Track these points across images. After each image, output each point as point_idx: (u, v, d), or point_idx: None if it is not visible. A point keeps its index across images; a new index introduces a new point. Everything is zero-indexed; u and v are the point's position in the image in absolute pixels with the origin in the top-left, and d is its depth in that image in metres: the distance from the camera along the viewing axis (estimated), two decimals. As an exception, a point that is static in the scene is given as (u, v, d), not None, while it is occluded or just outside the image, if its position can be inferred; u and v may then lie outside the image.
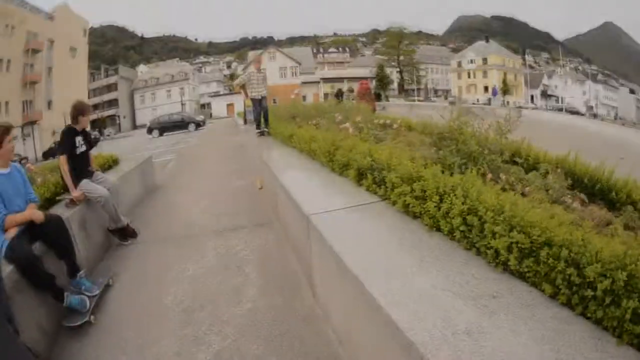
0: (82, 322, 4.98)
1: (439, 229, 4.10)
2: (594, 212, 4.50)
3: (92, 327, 5.03)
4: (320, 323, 4.64)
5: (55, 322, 4.94)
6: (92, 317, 5.10)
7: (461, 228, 3.73)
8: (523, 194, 4.59)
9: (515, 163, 6.03)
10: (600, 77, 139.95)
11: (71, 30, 78.52)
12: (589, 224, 3.45)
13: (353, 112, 11.23)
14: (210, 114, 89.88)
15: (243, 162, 15.08)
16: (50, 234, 5.25)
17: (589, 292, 2.70)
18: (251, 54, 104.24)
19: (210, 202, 10.03)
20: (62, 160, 6.85)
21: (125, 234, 7.66)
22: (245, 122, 21.50)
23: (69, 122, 7.21)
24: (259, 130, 14.44)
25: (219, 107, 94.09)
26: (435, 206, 4.11)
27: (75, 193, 6.79)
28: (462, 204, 3.78)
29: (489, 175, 4.95)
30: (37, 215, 5.17)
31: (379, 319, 2.95)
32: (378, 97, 69.13)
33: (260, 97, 14.31)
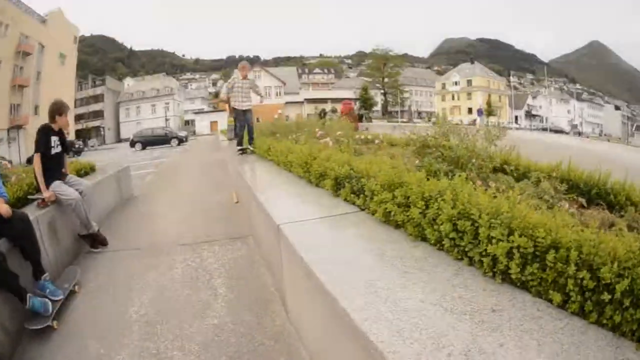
0: (44, 326, 4.76)
1: (424, 239, 3.76)
2: (594, 215, 4.24)
3: (55, 332, 4.82)
4: (292, 341, 4.31)
5: (18, 323, 4.74)
6: (54, 322, 4.89)
7: (451, 235, 3.37)
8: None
9: (504, 172, 5.80)
10: (585, 95, 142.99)
11: (62, 36, 78.77)
12: (596, 224, 3.09)
13: (334, 128, 11.09)
14: (194, 131, 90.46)
15: (222, 178, 14.90)
16: (16, 232, 5.06)
17: (606, 296, 2.42)
18: (236, 72, 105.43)
19: (185, 215, 9.85)
20: (35, 159, 6.69)
21: (96, 241, 7.40)
22: (229, 139, 20.81)
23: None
24: (240, 148, 12.68)
25: (202, 124, 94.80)
26: (420, 212, 3.77)
27: (46, 193, 6.60)
28: (452, 208, 3.43)
29: (479, 183, 4.66)
30: (4, 209, 5.02)
31: (355, 340, 2.56)
32: (361, 118, 70.10)
33: (244, 109, 12.49)
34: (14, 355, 4.43)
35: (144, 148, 47.85)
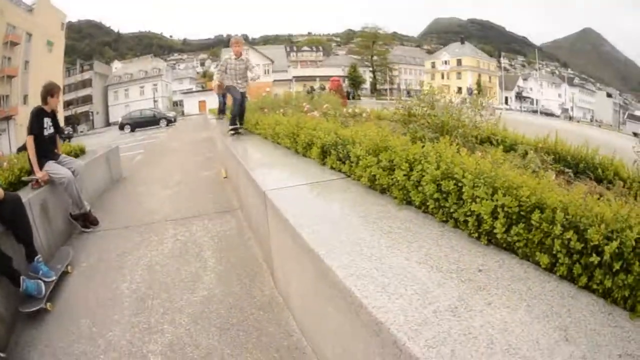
0: (38, 309, 4.78)
1: (409, 203, 3.81)
2: (582, 187, 4.23)
3: (49, 314, 4.83)
4: (280, 311, 4.39)
5: (12, 308, 4.75)
6: (48, 304, 4.91)
7: (435, 196, 3.41)
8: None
9: (491, 144, 5.83)
10: (577, 80, 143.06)
11: (49, 24, 77.26)
12: (582, 189, 3.10)
13: (322, 102, 11.07)
14: (183, 111, 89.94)
15: (211, 155, 15.01)
16: (8, 214, 5.06)
17: (595, 258, 2.38)
18: (224, 51, 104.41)
19: (175, 192, 9.94)
20: (28, 141, 6.84)
21: (87, 220, 7.48)
22: (222, 111, 19.93)
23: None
24: (233, 127, 11.04)
25: (190, 104, 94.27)
26: (404, 175, 3.80)
27: (39, 174, 6.73)
28: (436, 169, 3.47)
29: (464, 151, 4.66)
30: None
31: (341, 297, 2.60)
32: (348, 95, 70.21)
33: (240, 91, 10.89)
34: (11, 340, 4.43)
35: (133, 130, 47.92)
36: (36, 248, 5.32)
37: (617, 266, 2.31)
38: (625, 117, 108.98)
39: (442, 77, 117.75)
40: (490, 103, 6.38)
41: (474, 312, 2.23)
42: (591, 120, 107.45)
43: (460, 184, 3.18)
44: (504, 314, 2.22)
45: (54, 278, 5.26)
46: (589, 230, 2.44)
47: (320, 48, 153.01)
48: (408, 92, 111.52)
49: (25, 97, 65.93)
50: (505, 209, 2.82)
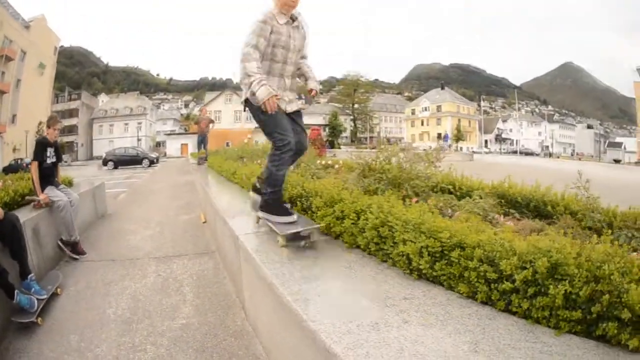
0: (30, 321, 5.11)
1: (358, 246, 4.37)
2: (527, 225, 4.68)
3: (39, 328, 5.16)
4: (250, 338, 4.81)
5: (4, 318, 5.06)
6: (39, 319, 5.22)
7: (375, 240, 3.99)
8: (450, 217, 4.78)
9: (449, 193, 6.26)
10: (556, 117, 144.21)
11: (43, 45, 76.83)
12: (510, 228, 3.69)
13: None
14: (165, 153, 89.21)
15: (191, 199, 15.10)
16: (7, 232, 5.40)
17: (508, 285, 2.83)
18: (209, 95, 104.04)
19: (156, 232, 10.20)
20: (33, 167, 7.53)
21: (75, 250, 7.85)
22: (204, 159, 19.60)
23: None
24: (286, 221, 4.76)
25: (173, 146, 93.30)
26: (352, 223, 4.37)
27: (41, 196, 7.41)
28: (376, 218, 4.02)
29: (415, 199, 5.15)
30: None
31: (290, 317, 3.16)
32: (332, 144, 69.96)
33: (290, 109, 5.39)
34: (1, 346, 4.78)
35: (116, 167, 47.86)
36: (29, 267, 5.63)
37: (531, 291, 2.70)
38: (606, 145, 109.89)
39: (422, 124, 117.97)
40: (463, 148, 6.76)
41: (390, 328, 2.69)
42: (572, 154, 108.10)
43: (393, 230, 3.75)
44: (418, 330, 2.64)
45: (45, 296, 5.57)
46: (501, 263, 2.89)
47: (303, 96, 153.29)
48: (388, 140, 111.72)
49: (14, 117, 64.90)
50: (429, 249, 3.34)
